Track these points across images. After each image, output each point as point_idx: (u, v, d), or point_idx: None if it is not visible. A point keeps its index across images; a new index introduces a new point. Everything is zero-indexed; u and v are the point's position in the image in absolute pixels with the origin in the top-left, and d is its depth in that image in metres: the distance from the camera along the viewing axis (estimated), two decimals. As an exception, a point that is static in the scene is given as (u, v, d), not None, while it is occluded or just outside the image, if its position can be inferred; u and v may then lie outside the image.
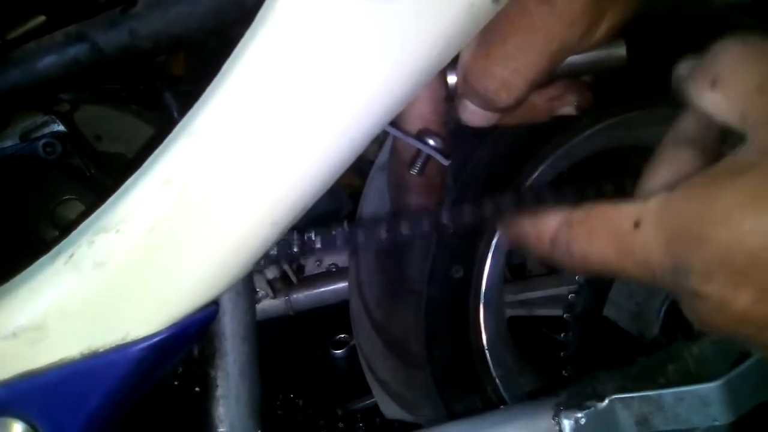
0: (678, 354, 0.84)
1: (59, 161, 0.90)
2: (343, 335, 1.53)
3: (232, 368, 0.71)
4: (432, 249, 0.95)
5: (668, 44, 0.80)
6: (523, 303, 1.21)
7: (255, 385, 0.73)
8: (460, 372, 1.03)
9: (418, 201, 0.69)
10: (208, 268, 0.52)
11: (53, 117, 0.91)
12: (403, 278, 0.98)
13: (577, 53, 0.60)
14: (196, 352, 0.74)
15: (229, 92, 0.49)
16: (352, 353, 1.42)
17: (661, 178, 0.50)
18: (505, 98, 0.59)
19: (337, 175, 0.54)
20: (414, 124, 0.64)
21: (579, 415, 0.79)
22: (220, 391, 0.71)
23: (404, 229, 0.65)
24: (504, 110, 0.61)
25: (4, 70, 0.70)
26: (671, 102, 0.54)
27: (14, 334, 0.52)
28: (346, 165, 0.53)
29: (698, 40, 0.48)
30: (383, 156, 0.97)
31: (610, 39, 0.60)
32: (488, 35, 0.56)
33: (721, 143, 0.51)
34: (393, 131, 0.63)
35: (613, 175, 0.70)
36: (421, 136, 0.64)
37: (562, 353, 1.01)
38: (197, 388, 0.73)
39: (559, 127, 0.93)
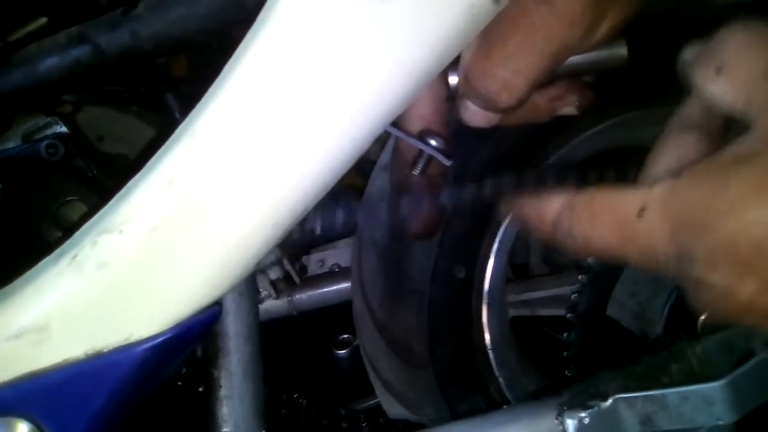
0: (681, 353, 0.84)
1: (62, 162, 0.91)
2: (346, 335, 1.53)
3: (235, 368, 0.71)
4: (435, 249, 0.95)
5: (669, 44, 0.80)
6: (525, 303, 1.21)
7: (258, 385, 0.73)
8: (463, 372, 1.03)
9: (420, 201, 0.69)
10: (211, 269, 0.52)
11: (56, 118, 0.91)
12: (405, 278, 0.98)
13: (578, 53, 0.60)
14: (199, 352, 0.74)
15: (231, 93, 0.49)
16: (356, 353, 1.42)
17: (666, 163, 0.50)
18: (506, 99, 0.59)
19: (339, 176, 0.54)
20: (415, 125, 0.64)
21: (582, 414, 0.79)
22: (223, 392, 0.71)
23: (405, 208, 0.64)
24: (505, 111, 0.61)
25: (6, 72, 0.70)
26: (672, 102, 0.55)
27: (18, 335, 0.52)
28: (348, 165, 0.53)
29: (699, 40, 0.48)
30: (385, 156, 0.97)
31: (611, 39, 0.60)
32: (489, 36, 0.56)
33: (725, 129, 0.51)
34: (395, 132, 0.63)
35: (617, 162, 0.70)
36: (422, 136, 0.64)
37: (565, 353, 1.01)
38: (201, 389, 0.73)
39: (560, 127, 0.93)
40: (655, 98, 0.91)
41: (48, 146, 0.89)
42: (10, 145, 0.89)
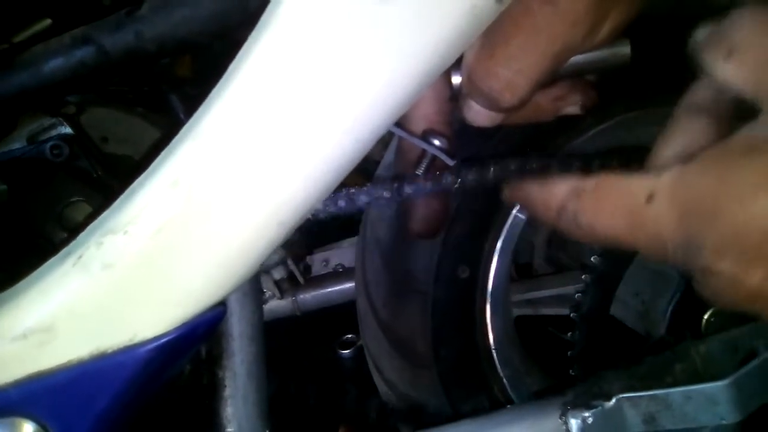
0: (685, 353, 0.84)
1: (66, 163, 0.91)
2: (350, 335, 1.52)
3: (239, 368, 0.71)
4: (438, 249, 0.95)
5: (672, 43, 0.80)
6: (529, 302, 1.21)
7: (263, 385, 0.73)
8: (466, 372, 1.03)
9: (424, 201, 0.69)
10: (215, 269, 0.52)
11: (60, 119, 0.92)
12: (409, 278, 0.98)
13: (580, 53, 0.60)
14: (203, 352, 0.74)
15: (235, 94, 0.50)
16: (359, 353, 1.42)
17: (674, 148, 0.49)
18: (509, 98, 0.59)
19: (343, 176, 0.54)
20: (419, 125, 0.64)
21: (586, 414, 0.79)
22: (227, 392, 0.71)
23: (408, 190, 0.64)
24: (508, 110, 0.61)
25: (10, 73, 0.71)
26: (676, 102, 0.55)
27: (24, 336, 0.52)
28: (352, 165, 0.54)
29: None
30: (388, 156, 0.97)
31: (614, 39, 0.60)
32: (492, 36, 0.56)
33: (735, 112, 0.50)
34: (398, 132, 0.64)
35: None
36: (426, 136, 0.65)
37: (569, 352, 1.01)
38: (205, 389, 0.73)
39: (563, 127, 0.93)
40: (658, 98, 0.91)
41: (53, 147, 0.90)
42: (15, 146, 0.90)
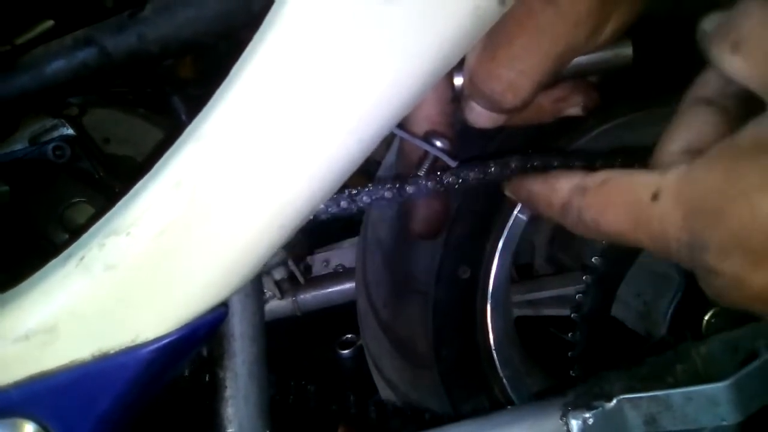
0: (686, 354, 0.84)
1: (68, 164, 0.91)
2: (350, 335, 1.52)
3: (240, 369, 0.71)
4: (439, 249, 0.95)
5: (674, 45, 0.80)
6: (530, 303, 1.21)
7: (263, 386, 0.73)
8: (467, 372, 1.03)
9: (425, 201, 0.69)
10: (218, 270, 0.53)
11: (62, 121, 0.92)
12: (410, 279, 0.98)
13: (583, 54, 0.60)
14: (204, 353, 0.74)
15: (238, 95, 0.50)
16: (359, 353, 1.41)
17: (680, 143, 0.49)
18: (511, 100, 0.59)
19: (345, 178, 0.54)
20: (421, 126, 0.64)
21: (587, 415, 0.79)
22: (228, 392, 0.71)
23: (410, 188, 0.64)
24: (510, 112, 0.61)
25: (13, 75, 0.71)
26: (677, 102, 0.55)
27: (26, 337, 0.52)
28: (354, 167, 0.54)
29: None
30: (390, 157, 0.97)
31: (616, 40, 0.60)
32: (494, 37, 0.56)
33: (741, 104, 0.50)
34: (400, 133, 0.64)
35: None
36: (428, 137, 0.65)
37: (569, 353, 1.01)
38: (206, 389, 0.73)
39: (565, 128, 0.93)
40: (661, 98, 0.91)
41: (55, 148, 0.90)
42: (18, 147, 0.90)
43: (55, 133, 0.92)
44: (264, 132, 0.50)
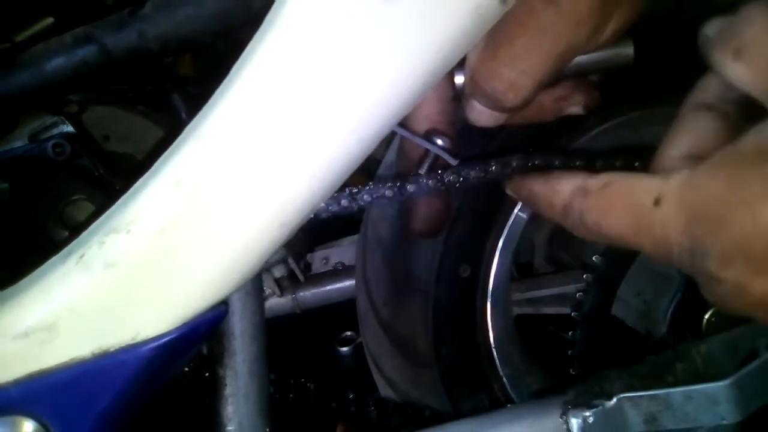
0: (686, 353, 0.84)
1: (68, 162, 0.91)
2: (349, 333, 1.52)
3: (240, 367, 0.71)
4: (440, 248, 0.95)
5: (674, 43, 0.80)
6: (530, 301, 1.21)
7: (263, 384, 0.73)
8: (467, 370, 1.03)
9: (427, 200, 0.69)
10: (218, 269, 0.52)
11: (62, 118, 0.92)
12: (410, 277, 0.98)
13: (584, 53, 0.60)
14: (204, 351, 0.74)
15: (239, 94, 0.50)
16: (358, 351, 1.41)
17: (681, 148, 0.49)
18: (512, 99, 0.59)
19: (346, 176, 0.54)
20: (422, 125, 0.64)
21: (587, 413, 0.79)
22: (228, 390, 0.71)
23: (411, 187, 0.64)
24: (511, 110, 0.61)
25: (13, 73, 0.70)
26: (678, 101, 0.55)
27: (25, 334, 0.52)
28: (355, 166, 0.54)
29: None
30: (390, 155, 0.97)
31: (617, 39, 0.60)
32: (495, 36, 0.56)
33: (742, 109, 0.50)
34: (401, 131, 0.64)
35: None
36: (428, 136, 0.64)
37: (569, 351, 1.01)
38: (206, 387, 0.73)
39: (566, 127, 0.93)
40: (661, 98, 0.91)
41: (55, 146, 0.90)
42: (17, 144, 0.90)
43: (55, 131, 0.91)
44: (264, 130, 0.50)
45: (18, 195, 0.92)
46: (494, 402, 1.05)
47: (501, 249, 0.99)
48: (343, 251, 1.42)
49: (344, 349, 1.50)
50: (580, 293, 0.99)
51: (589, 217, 0.49)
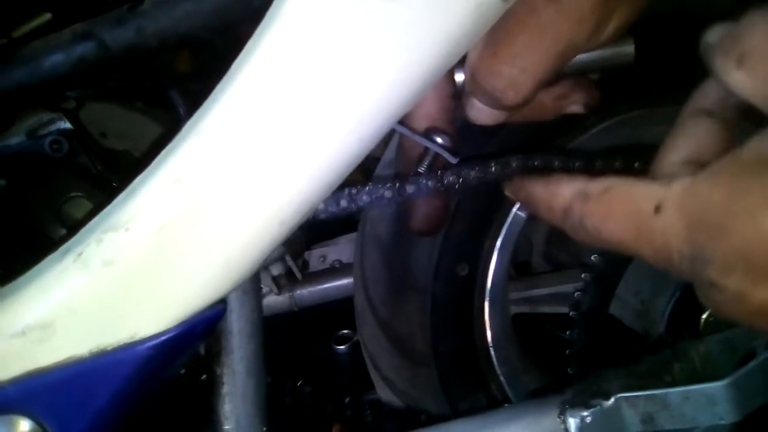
0: (684, 352, 0.84)
1: (66, 159, 0.90)
2: (345, 331, 1.52)
3: (238, 366, 0.71)
4: (438, 246, 0.95)
5: (675, 42, 0.80)
6: (527, 300, 1.20)
7: (261, 383, 0.73)
8: (464, 369, 1.03)
9: (426, 199, 0.69)
10: (217, 267, 0.52)
11: (60, 114, 0.91)
12: (408, 275, 0.98)
13: (585, 52, 0.60)
14: (202, 349, 0.74)
15: (238, 91, 0.49)
16: (355, 349, 1.41)
17: (680, 153, 0.49)
18: (512, 97, 0.58)
19: (346, 175, 0.54)
20: (421, 123, 0.64)
21: (585, 413, 0.79)
22: (226, 389, 0.71)
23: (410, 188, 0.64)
24: (511, 109, 0.61)
25: (10, 69, 0.70)
26: (679, 101, 0.54)
27: (23, 333, 0.52)
28: (355, 164, 0.53)
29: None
30: (389, 153, 0.96)
31: (618, 38, 0.60)
32: (496, 34, 0.56)
33: (740, 115, 0.50)
34: (400, 129, 0.63)
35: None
36: (428, 134, 0.64)
37: (567, 351, 1.01)
38: (203, 386, 0.73)
39: (565, 125, 0.93)
40: (661, 97, 0.91)
41: (52, 142, 0.89)
42: (14, 141, 0.89)
43: (53, 127, 0.91)
44: (264, 128, 0.49)
45: (15, 192, 0.91)
46: (492, 401, 1.05)
47: (499, 248, 0.99)
48: (340, 249, 1.42)
49: (341, 347, 1.50)
50: (578, 292, 0.99)
51: (589, 221, 0.49)
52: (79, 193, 0.93)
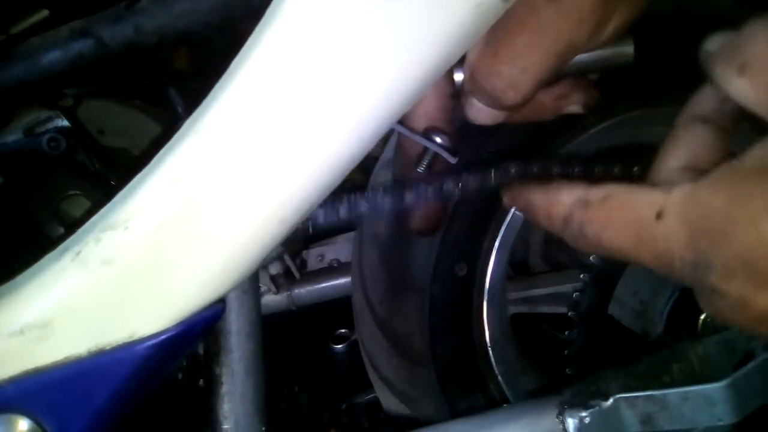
0: (683, 353, 0.84)
1: (64, 156, 0.90)
2: (343, 330, 1.52)
3: (237, 365, 0.71)
4: (436, 246, 0.95)
5: (674, 42, 0.80)
6: (525, 300, 1.21)
7: (260, 382, 0.73)
8: (463, 369, 1.03)
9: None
10: (216, 266, 0.52)
11: (57, 112, 0.91)
12: (407, 275, 0.98)
13: (584, 52, 0.60)
14: (201, 349, 0.74)
15: (238, 90, 0.49)
16: (353, 348, 1.42)
17: (678, 160, 0.49)
18: (512, 97, 0.58)
19: (346, 173, 0.54)
20: (420, 122, 0.64)
21: (583, 414, 0.79)
22: (225, 388, 0.71)
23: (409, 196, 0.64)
24: (511, 108, 0.60)
25: (8, 65, 0.70)
26: (678, 101, 0.54)
27: (21, 332, 0.51)
28: (355, 163, 0.53)
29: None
30: (387, 152, 0.96)
31: (618, 38, 0.59)
32: (496, 34, 0.55)
33: (737, 121, 0.50)
34: (399, 128, 0.63)
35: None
36: (427, 133, 0.64)
37: (566, 351, 1.01)
38: (202, 385, 0.73)
39: (564, 125, 0.93)
40: (660, 97, 0.91)
41: (50, 140, 0.89)
42: (12, 138, 0.89)
43: (50, 125, 0.91)
44: (264, 127, 0.49)
45: (12, 190, 0.91)
46: (490, 401, 1.05)
47: (498, 248, 0.99)
48: (338, 248, 1.42)
49: (338, 346, 1.50)
50: (577, 293, 0.99)
51: (590, 229, 0.49)
52: (77, 191, 0.93)
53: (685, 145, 0.50)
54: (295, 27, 0.48)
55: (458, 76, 0.63)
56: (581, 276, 0.98)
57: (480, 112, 0.62)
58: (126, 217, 0.50)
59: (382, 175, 0.98)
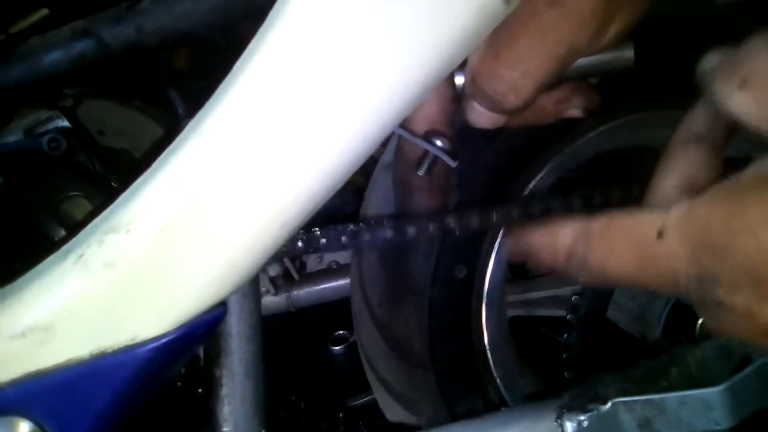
0: (681, 357, 0.84)
1: (64, 157, 0.90)
2: (342, 331, 1.52)
3: (237, 368, 0.71)
4: (436, 249, 0.95)
5: (674, 46, 0.80)
6: (524, 303, 1.20)
7: (260, 385, 0.73)
8: (462, 372, 1.03)
9: (424, 202, 0.69)
10: (218, 269, 0.52)
11: (58, 112, 0.91)
12: (406, 277, 0.98)
13: (585, 56, 0.60)
14: (201, 351, 0.73)
15: (241, 92, 0.49)
16: (351, 350, 1.41)
17: (675, 179, 0.50)
18: (513, 100, 0.58)
19: (348, 176, 0.54)
20: (421, 125, 0.64)
21: (582, 417, 0.79)
22: (225, 391, 0.71)
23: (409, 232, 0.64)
24: (512, 112, 0.61)
25: (9, 65, 0.70)
26: (677, 104, 0.55)
27: (23, 334, 0.51)
28: (356, 166, 0.53)
29: (703, 41, 0.48)
30: (387, 155, 0.96)
31: (619, 42, 0.60)
32: (497, 37, 0.55)
33: (730, 138, 0.51)
34: (400, 131, 0.63)
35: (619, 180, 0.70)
36: (428, 136, 0.64)
37: (564, 354, 1.01)
38: (201, 388, 0.73)
39: (564, 128, 0.93)
40: (660, 100, 0.91)
41: (50, 140, 0.89)
42: (12, 139, 0.89)
43: (51, 125, 0.90)
44: (267, 130, 0.49)
45: (13, 191, 0.91)
46: (489, 404, 1.05)
47: (497, 250, 0.99)
48: (337, 250, 1.41)
49: (337, 348, 1.50)
50: (576, 296, 0.99)
51: (593, 258, 0.49)
52: (77, 192, 0.92)
53: (681, 165, 0.50)
54: (298, 29, 0.48)
55: (459, 80, 0.63)
56: (579, 279, 0.98)
57: (481, 116, 0.62)
58: (128, 219, 0.50)
59: (381, 177, 0.98)
